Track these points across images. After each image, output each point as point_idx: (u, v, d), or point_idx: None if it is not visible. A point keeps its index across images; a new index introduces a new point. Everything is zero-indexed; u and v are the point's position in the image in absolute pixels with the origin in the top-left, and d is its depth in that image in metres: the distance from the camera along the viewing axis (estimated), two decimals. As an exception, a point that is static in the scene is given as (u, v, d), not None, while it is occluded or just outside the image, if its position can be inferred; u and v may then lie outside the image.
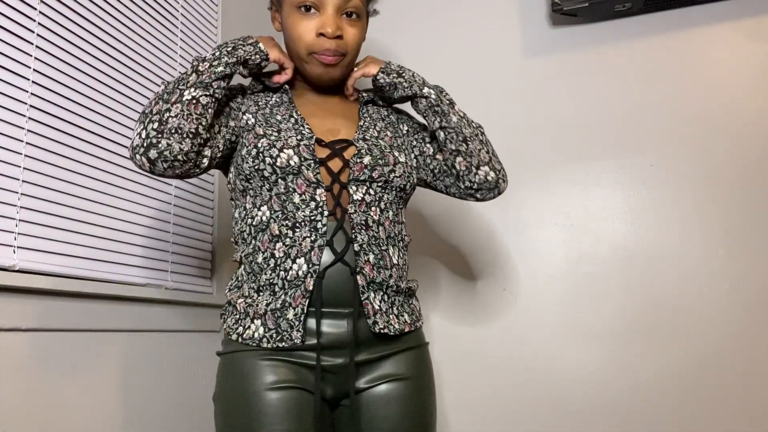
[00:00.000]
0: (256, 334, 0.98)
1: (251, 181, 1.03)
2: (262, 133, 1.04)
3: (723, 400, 1.48)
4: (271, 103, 1.12)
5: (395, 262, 1.05)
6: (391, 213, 1.07)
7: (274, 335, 0.97)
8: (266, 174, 1.01)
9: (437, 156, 1.15)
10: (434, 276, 1.77)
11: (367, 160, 1.04)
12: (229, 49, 1.04)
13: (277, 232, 1.00)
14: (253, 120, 1.07)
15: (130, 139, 1.08)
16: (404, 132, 1.18)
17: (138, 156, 0.95)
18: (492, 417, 1.64)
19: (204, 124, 0.98)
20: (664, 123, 1.63)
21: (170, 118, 0.94)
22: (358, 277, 0.99)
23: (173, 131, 0.94)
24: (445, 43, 1.87)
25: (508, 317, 1.68)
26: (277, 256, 0.99)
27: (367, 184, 1.04)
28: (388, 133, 1.14)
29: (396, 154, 1.09)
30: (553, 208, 1.69)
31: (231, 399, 0.97)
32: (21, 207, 1.01)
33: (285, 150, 1.00)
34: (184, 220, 1.44)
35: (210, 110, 0.99)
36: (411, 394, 1.02)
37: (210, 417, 1.44)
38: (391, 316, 1.03)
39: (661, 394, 1.53)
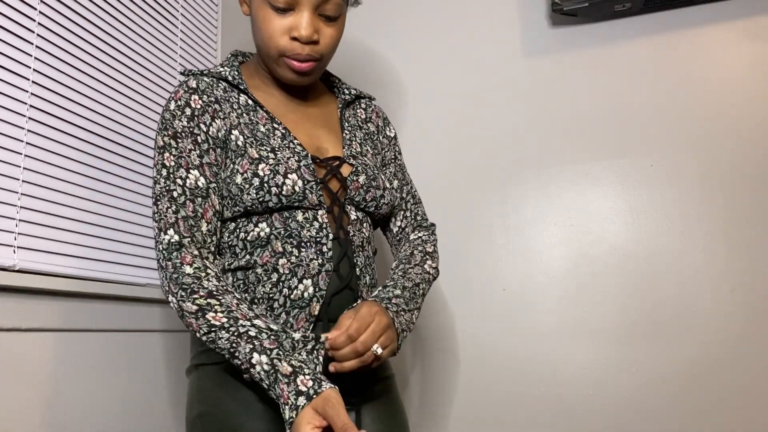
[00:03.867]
0: None
1: (248, 209, 0.91)
2: (257, 156, 0.91)
3: (724, 400, 1.48)
4: (245, 106, 0.98)
5: (376, 278, 1.03)
6: (371, 228, 1.04)
7: None
8: (271, 205, 0.90)
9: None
10: (434, 276, 1.77)
11: (362, 179, 1.00)
12: (290, 379, 0.76)
13: (280, 249, 0.91)
14: (242, 138, 0.92)
15: (159, 283, 1.04)
16: (383, 154, 1.14)
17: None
18: (492, 417, 1.64)
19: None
20: (664, 123, 1.63)
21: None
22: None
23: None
24: (445, 43, 1.87)
25: (508, 317, 1.68)
26: (280, 271, 0.91)
27: (361, 204, 1.00)
28: (369, 147, 1.09)
29: (383, 178, 1.04)
30: (553, 208, 1.69)
31: (226, 417, 0.86)
32: (21, 207, 1.01)
33: (289, 175, 0.90)
34: (184, 220, 1.44)
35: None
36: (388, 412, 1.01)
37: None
38: None
39: (662, 395, 1.53)
